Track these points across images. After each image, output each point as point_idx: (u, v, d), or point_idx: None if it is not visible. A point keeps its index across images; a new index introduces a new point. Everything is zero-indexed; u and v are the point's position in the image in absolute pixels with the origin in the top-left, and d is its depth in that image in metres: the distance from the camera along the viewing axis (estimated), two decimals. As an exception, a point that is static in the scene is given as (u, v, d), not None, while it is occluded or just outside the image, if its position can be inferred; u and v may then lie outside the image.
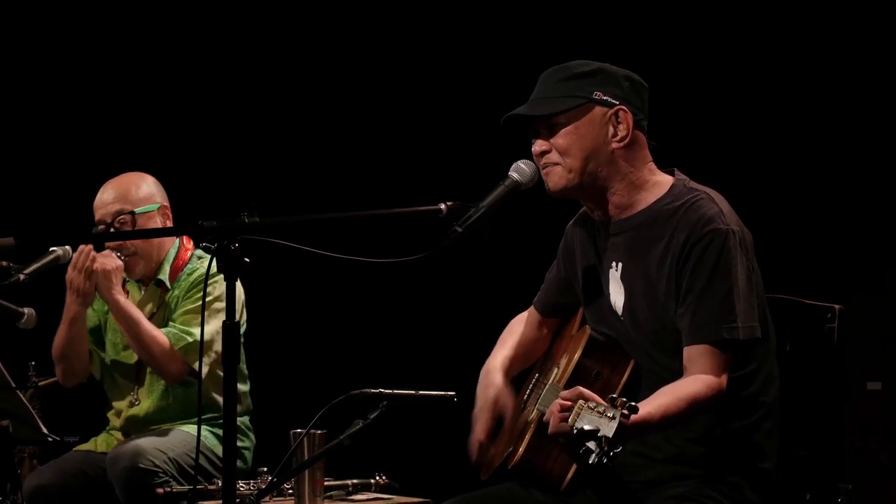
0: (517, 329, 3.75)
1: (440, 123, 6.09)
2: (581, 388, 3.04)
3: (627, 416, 2.90)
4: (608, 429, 2.87)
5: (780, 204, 5.64)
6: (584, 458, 2.90)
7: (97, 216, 4.67)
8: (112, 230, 4.63)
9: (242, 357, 4.68)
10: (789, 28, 5.64)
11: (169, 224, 4.73)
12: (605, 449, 2.87)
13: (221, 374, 4.51)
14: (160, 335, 4.56)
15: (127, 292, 4.69)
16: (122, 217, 4.64)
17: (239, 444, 4.63)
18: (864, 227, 5.61)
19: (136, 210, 4.65)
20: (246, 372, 4.77)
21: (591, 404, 2.94)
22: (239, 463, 4.62)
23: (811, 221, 5.67)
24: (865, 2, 5.54)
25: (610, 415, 2.89)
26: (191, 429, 4.62)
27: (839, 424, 3.56)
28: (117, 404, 4.75)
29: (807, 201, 5.69)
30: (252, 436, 4.78)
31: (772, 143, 5.70)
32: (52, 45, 6.12)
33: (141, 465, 4.34)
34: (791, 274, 4.97)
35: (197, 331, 4.55)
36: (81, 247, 4.54)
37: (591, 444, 2.88)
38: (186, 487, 4.29)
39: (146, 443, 4.45)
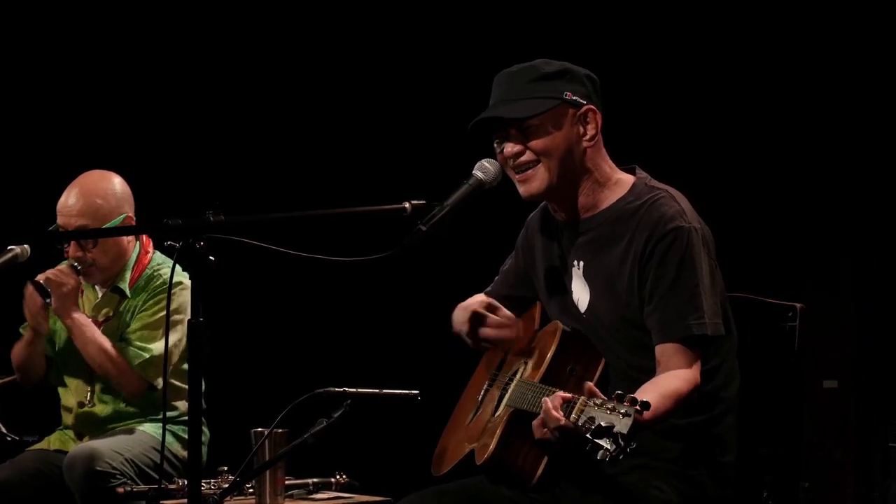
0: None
1: (405, 122, 6.10)
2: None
3: (641, 413, 2.89)
4: (623, 425, 2.86)
5: (735, 202, 5.69)
6: (593, 454, 2.88)
7: (59, 220, 4.61)
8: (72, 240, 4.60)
9: None
10: (750, 30, 5.69)
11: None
12: (623, 445, 2.86)
13: (178, 382, 4.61)
14: (116, 354, 4.55)
15: (82, 292, 4.67)
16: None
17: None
18: (817, 226, 5.66)
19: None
20: None
21: (597, 401, 2.93)
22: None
23: (763, 220, 5.72)
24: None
25: (622, 411, 2.88)
26: (147, 427, 4.61)
27: (798, 422, 3.58)
28: (67, 402, 4.72)
29: (760, 200, 5.73)
30: (206, 430, 4.75)
31: (731, 144, 5.74)
32: (15, 40, 6.06)
33: (98, 468, 4.31)
34: (745, 272, 5.01)
35: (154, 346, 4.56)
36: (31, 290, 4.52)
37: (605, 441, 2.86)
38: (147, 487, 4.27)
39: (102, 445, 4.42)
